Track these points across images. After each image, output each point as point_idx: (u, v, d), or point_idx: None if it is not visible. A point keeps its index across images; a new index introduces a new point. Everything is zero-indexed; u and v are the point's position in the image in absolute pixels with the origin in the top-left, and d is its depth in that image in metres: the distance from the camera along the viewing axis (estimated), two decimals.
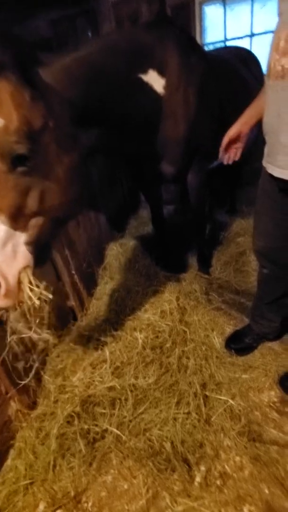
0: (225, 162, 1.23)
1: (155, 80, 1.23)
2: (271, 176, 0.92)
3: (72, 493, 1.01)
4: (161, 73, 1.25)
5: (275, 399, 1.20)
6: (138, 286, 1.77)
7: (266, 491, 0.96)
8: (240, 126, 1.13)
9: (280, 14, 0.79)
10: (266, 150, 0.94)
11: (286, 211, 1.00)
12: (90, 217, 1.97)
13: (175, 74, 1.28)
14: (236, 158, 1.21)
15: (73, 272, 1.67)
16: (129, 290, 1.76)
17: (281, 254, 1.12)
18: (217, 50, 2.28)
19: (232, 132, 1.13)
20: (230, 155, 1.20)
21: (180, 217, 2.59)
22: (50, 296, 0.92)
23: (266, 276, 1.24)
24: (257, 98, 1.08)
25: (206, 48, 2.74)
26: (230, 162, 1.22)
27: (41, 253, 0.93)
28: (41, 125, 0.82)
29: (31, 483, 1.04)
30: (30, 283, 0.87)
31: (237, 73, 1.80)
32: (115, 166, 2.34)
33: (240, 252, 2.04)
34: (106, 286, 1.82)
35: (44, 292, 0.90)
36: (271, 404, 1.19)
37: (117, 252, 2.06)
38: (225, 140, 1.16)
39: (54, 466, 1.06)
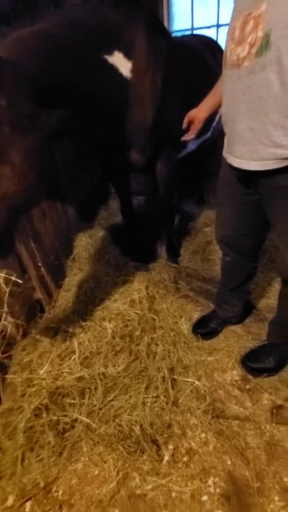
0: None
1: (121, 63, 1.18)
2: (230, 166, 0.95)
3: (42, 484, 1.01)
4: (128, 56, 1.20)
5: (237, 378, 1.28)
6: (108, 277, 1.77)
7: (229, 462, 1.04)
8: (195, 111, 1.20)
9: (235, 2, 0.80)
10: (225, 140, 0.97)
11: (245, 200, 1.04)
12: (57, 208, 1.91)
13: (143, 58, 1.24)
14: (185, 138, 1.31)
15: (40, 264, 1.62)
16: (99, 280, 1.75)
17: (242, 242, 1.18)
18: (185, 37, 2.27)
19: (189, 114, 1.22)
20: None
21: (149, 208, 2.60)
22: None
23: (228, 263, 1.30)
24: (215, 86, 1.11)
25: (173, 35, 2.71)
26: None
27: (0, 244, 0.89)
28: None
29: None
30: None
31: (204, 61, 1.81)
32: (85, 155, 2.27)
33: (207, 242, 2.11)
34: (75, 278, 1.79)
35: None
36: (234, 383, 1.27)
37: (86, 243, 2.03)
38: (185, 121, 1.26)
39: (23, 459, 1.05)
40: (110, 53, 1.14)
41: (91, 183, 2.50)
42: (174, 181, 1.73)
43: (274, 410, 1.16)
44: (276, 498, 0.94)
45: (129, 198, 1.91)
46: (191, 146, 1.79)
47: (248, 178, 0.94)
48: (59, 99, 1.00)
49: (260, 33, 0.70)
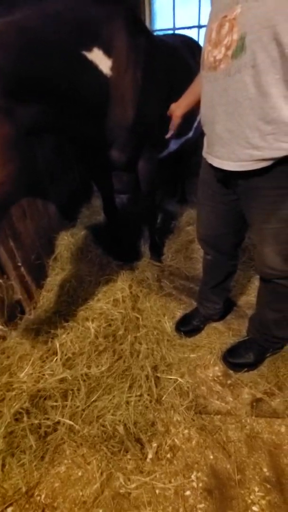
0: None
1: (100, 60, 1.16)
2: (210, 166, 0.96)
3: (24, 489, 0.98)
4: (107, 53, 1.18)
5: (219, 374, 1.31)
6: (91, 276, 1.75)
7: (211, 456, 1.06)
8: (174, 106, 1.23)
9: (212, 4, 0.80)
10: (205, 141, 0.98)
11: (225, 200, 1.06)
12: (38, 206, 1.86)
13: (123, 56, 1.22)
14: (165, 136, 1.33)
15: (20, 264, 1.57)
16: (82, 280, 1.73)
17: (222, 241, 1.20)
18: (166, 36, 2.27)
19: (171, 107, 1.25)
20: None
21: (132, 206, 2.60)
22: None
23: (210, 262, 1.32)
24: (191, 85, 1.13)
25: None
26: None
27: None
28: None
29: None
30: None
31: (185, 62, 1.82)
32: (67, 152, 2.23)
33: (190, 240, 2.14)
34: (57, 278, 1.76)
35: None
36: (215, 378, 1.29)
37: (68, 242, 1.99)
38: (169, 112, 1.28)
39: (3, 465, 1.02)
40: (89, 49, 1.12)
41: (74, 181, 2.45)
42: (156, 180, 1.73)
43: (254, 404, 1.19)
44: (256, 489, 0.97)
45: (111, 196, 1.89)
46: (173, 146, 1.80)
47: (227, 178, 0.96)
48: (36, 93, 0.97)
49: (235, 36, 0.70)
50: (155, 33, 2.74)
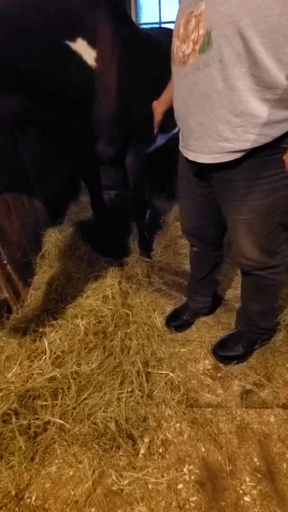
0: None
1: (85, 51, 1.14)
2: (186, 160, 0.96)
3: (13, 492, 0.96)
4: (92, 44, 1.16)
5: (209, 367, 1.32)
6: (80, 273, 1.72)
7: (203, 449, 1.06)
8: (155, 103, 1.24)
9: (179, 2, 0.81)
10: (180, 135, 0.98)
11: (203, 193, 1.06)
12: (23, 202, 1.81)
13: (108, 48, 1.20)
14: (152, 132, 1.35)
15: (5, 262, 1.53)
16: (70, 277, 1.70)
17: (205, 232, 1.21)
18: (152, 29, 2.24)
19: (153, 104, 1.26)
20: None
21: (121, 202, 2.58)
22: None
23: (195, 254, 1.33)
24: (170, 81, 1.14)
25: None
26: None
27: None
28: None
29: None
30: None
31: (169, 56, 1.80)
32: (54, 148, 2.18)
33: (178, 236, 2.14)
34: (44, 275, 1.72)
35: None
36: (206, 372, 1.30)
37: (56, 239, 1.96)
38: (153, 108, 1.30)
39: None
40: (73, 39, 1.09)
41: (61, 177, 2.41)
42: (144, 175, 1.72)
43: (244, 395, 1.21)
44: (247, 479, 0.98)
45: (99, 192, 1.86)
46: (161, 141, 1.79)
47: (202, 171, 0.97)
48: (16, 84, 0.94)
49: (201, 31, 0.71)
50: (141, 27, 2.71)
